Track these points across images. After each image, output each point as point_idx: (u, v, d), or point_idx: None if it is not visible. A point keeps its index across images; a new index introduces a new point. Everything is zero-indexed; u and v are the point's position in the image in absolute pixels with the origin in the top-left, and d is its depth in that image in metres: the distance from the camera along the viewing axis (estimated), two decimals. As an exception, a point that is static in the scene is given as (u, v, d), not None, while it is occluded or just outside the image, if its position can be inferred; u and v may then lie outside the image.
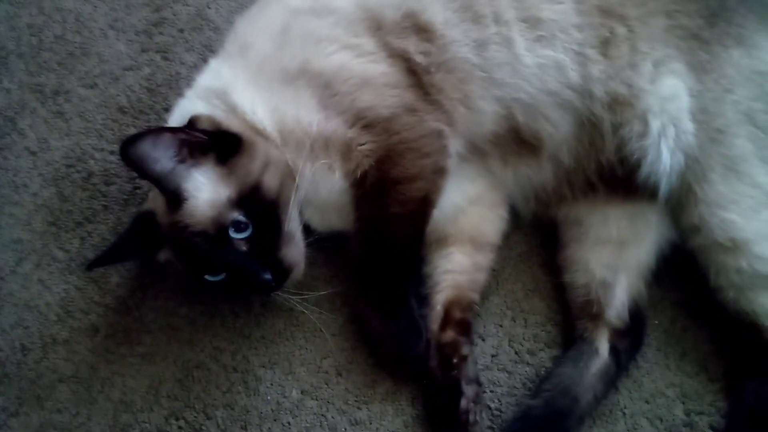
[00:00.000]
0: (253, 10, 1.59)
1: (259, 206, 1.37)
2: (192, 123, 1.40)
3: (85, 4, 1.94)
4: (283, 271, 1.39)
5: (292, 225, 1.42)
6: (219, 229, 1.35)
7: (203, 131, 1.38)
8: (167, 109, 1.77)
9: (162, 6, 1.93)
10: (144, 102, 1.83)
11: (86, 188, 1.75)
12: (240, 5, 1.88)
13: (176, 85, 1.83)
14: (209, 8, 1.92)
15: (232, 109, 1.44)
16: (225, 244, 1.35)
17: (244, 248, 1.36)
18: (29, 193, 1.77)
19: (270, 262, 1.37)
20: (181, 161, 1.35)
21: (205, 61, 1.76)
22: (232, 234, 1.35)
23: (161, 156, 1.32)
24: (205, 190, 1.36)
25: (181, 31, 1.91)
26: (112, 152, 1.78)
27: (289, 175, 1.41)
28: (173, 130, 1.36)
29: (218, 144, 1.38)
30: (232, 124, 1.42)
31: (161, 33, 1.91)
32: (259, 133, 1.43)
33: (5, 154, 1.81)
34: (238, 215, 1.35)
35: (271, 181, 1.38)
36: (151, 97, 1.84)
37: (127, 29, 1.92)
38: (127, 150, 1.27)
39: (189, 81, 1.68)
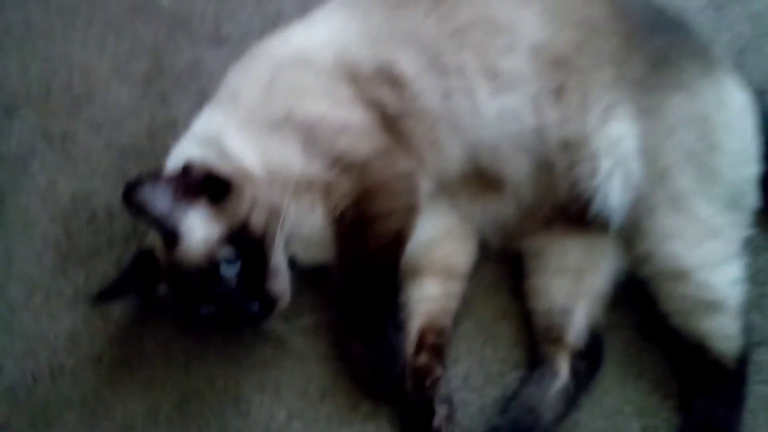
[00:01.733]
0: (243, 61, 1.69)
1: (247, 243, 1.48)
2: (187, 167, 1.51)
3: (91, 55, 2.03)
4: (269, 302, 1.50)
5: (278, 259, 1.52)
6: (211, 264, 1.46)
7: (197, 175, 1.48)
8: (166, 152, 1.80)
9: (161, 56, 2.02)
10: (144, 145, 1.93)
11: (91, 226, 1.84)
12: (232, 55, 1.87)
13: (174, 129, 1.90)
14: (204, 58, 2.01)
15: (224, 153, 1.54)
16: (216, 279, 1.46)
17: (233, 282, 1.46)
18: (38, 231, 1.86)
19: (258, 295, 1.48)
20: (177, 203, 1.46)
21: (200, 106, 1.80)
22: (223, 270, 1.46)
23: (159, 200, 1.43)
24: (199, 229, 1.47)
25: (179, 79, 2.00)
26: (115, 193, 1.83)
27: (275, 213, 1.52)
28: (169, 177, 1.47)
29: (210, 187, 1.49)
30: (223, 168, 1.52)
31: (160, 81, 2.00)
32: (248, 175, 1.53)
33: (16, 195, 1.89)
34: (227, 251, 1.46)
35: (257, 220, 1.49)
36: (150, 140, 1.93)
37: (128, 77, 2.01)
38: (129, 196, 1.39)
39: (186, 125, 1.75)
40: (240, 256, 1.47)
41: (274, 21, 2.03)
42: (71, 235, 1.84)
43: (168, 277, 1.52)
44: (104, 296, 1.60)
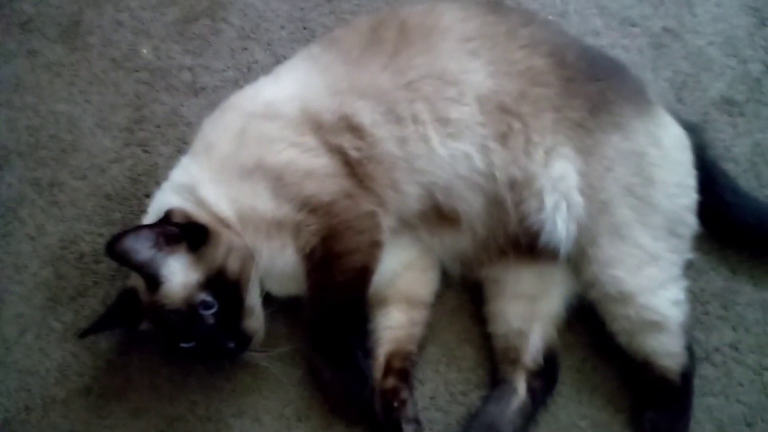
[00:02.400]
0: (216, 113, 1.78)
1: (224, 286, 1.58)
2: (168, 215, 1.60)
3: (76, 107, 2.09)
4: (245, 339, 1.60)
5: (253, 299, 1.62)
6: (189, 307, 1.55)
7: (176, 224, 1.58)
8: (148, 196, 1.92)
9: (141, 106, 2.08)
10: (127, 190, 1.99)
11: (79, 267, 1.90)
12: (208, 104, 2.04)
13: (155, 174, 1.98)
14: (182, 106, 2.08)
15: (201, 202, 1.64)
16: (195, 319, 1.55)
17: (211, 321, 1.56)
18: (29, 273, 1.91)
19: (234, 333, 1.58)
20: (158, 251, 1.55)
21: (179, 152, 1.93)
22: (201, 311, 1.55)
23: (141, 248, 1.53)
24: (178, 274, 1.56)
25: (158, 126, 2.06)
26: (100, 235, 1.93)
27: (249, 257, 1.62)
28: (150, 227, 1.57)
29: (189, 234, 1.58)
30: (201, 217, 1.62)
31: (141, 129, 2.06)
32: (223, 222, 1.63)
33: (8, 240, 1.95)
34: (205, 296, 1.56)
35: (233, 265, 1.59)
36: (133, 185, 1.99)
37: (111, 127, 2.07)
38: (113, 247, 1.49)
39: (165, 171, 1.83)
40: (216, 300, 1.57)
41: (247, 72, 2.12)
42: (60, 276, 1.91)
43: (150, 316, 1.61)
44: (91, 331, 1.69)
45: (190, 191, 1.66)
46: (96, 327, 1.69)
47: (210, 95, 2.09)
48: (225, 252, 1.59)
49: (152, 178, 2.00)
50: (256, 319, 1.63)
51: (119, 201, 1.99)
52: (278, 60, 2.12)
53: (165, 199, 1.69)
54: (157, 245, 1.56)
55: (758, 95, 2.04)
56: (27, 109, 2.10)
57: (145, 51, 2.15)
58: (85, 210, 1.99)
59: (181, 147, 1.99)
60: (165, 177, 1.80)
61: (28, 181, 2.02)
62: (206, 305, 1.56)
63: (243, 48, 2.15)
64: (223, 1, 2.23)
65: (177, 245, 1.58)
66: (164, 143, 2.05)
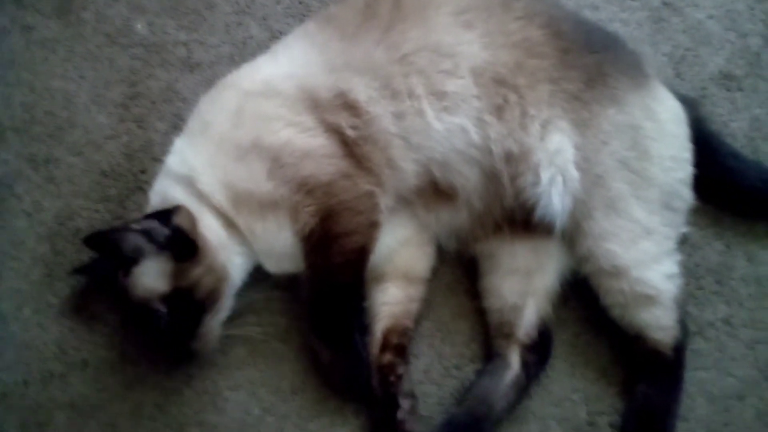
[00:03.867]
0: (212, 91, 1.77)
1: (186, 305, 1.59)
2: (174, 211, 1.62)
3: (71, 83, 2.08)
4: (187, 355, 1.63)
5: (212, 324, 1.63)
6: (145, 307, 1.59)
7: (175, 226, 1.60)
8: (143, 171, 1.96)
9: (137, 81, 2.07)
10: (123, 166, 1.98)
11: (75, 242, 1.89)
12: (203, 80, 2.03)
13: (151, 150, 1.98)
14: (178, 82, 2.06)
15: (200, 195, 1.65)
16: (149, 317, 1.59)
17: (162, 326, 1.58)
18: (26, 248, 1.92)
19: (180, 346, 1.61)
20: (146, 242, 1.59)
21: (175, 128, 1.93)
22: (155, 316, 1.59)
23: (123, 245, 1.59)
24: (148, 278, 1.59)
25: (154, 102, 2.05)
26: (96, 211, 1.94)
27: (224, 280, 1.64)
28: (137, 230, 1.60)
29: (178, 245, 1.60)
30: (201, 227, 1.64)
31: (137, 105, 2.04)
32: (218, 211, 1.65)
33: (4, 216, 1.95)
34: (161, 307, 1.58)
35: (204, 287, 1.60)
36: (129, 161, 1.98)
37: (107, 103, 2.05)
38: (91, 240, 1.58)
39: (161, 147, 1.88)
40: (172, 315, 1.58)
41: (242, 47, 2.10)
42: (57, 251, 1.91)
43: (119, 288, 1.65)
44: (78, 272, 1.80)
45: (190, 183, 1.66)
46: (83, 269, 1.79)
47: (205, 71, 2.08)
48: (202, 272, 1.61)
49: (148, 154, 1.99)
50: (206, 343, 1.64)
51: (115, 177, 1.99)
52: (274, 35, 2.10)
53: (170, 190, 1.70)
54: (145, 239, 1.59)
55: (757, 70, 2.03)
56: (22, 86, 2.08)
57: (139, 26, 2.13)
58: (81, 186, 1.98)
59: (177, 123, 1.98)
60: (161, 153, 1.81)
61: (24, 158, 2.02)
62: (159, 315, 1.59)
63: (238, 23, 2.13)
64: (217, -25, 2.22)
65: (163, 249, 1.60)
66: (160, 119, 2.04)
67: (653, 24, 2.10)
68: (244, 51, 2.09)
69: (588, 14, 2.09)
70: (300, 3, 2.15)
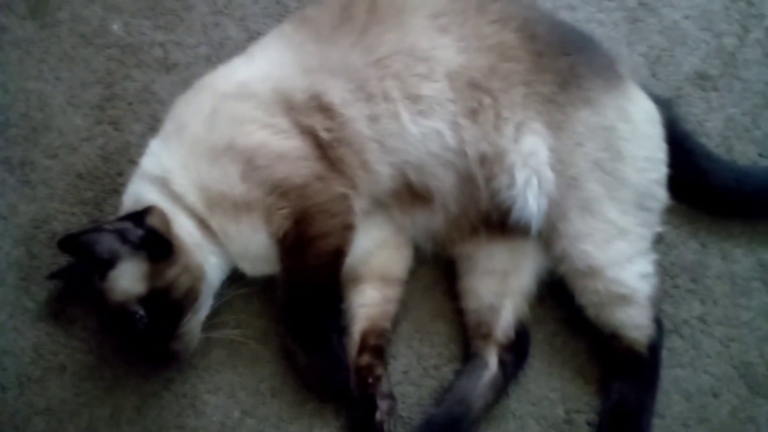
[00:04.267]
0: (188, 93, 1.76)
1: (163, 305, 1.58)
2: (147, 212, 1.61)
3: (46, 84, 2.06)
4: (168, 356, 1.62)
5: (191, 324, 1.62)
6: (123, 311, 1.58)
7: (149, 227, 1.59)
8: (120, 174, 1.94)
9: (112, 83, 2.05)
10: (99, 169, 1.97)
11: (51, 246, 1.86)
12: (180, 80, 2.02)
13: (127, 152, 1.97)
14: (154, 83, 2.05)
15: (174, 197, 1.64)
16: (126, 322, 1.58)
17: (140, 329, 1.57)
18: (2, 252, 1.90)
19: (159, 349, 1.59)
20: (120, 247, 1.58)
21: (152, 130, 1.90)
22: (133, 319, 1.57)
23: (98, 247, 1.58)
24: (124, 280, 1.58)
25: (130, 104, 2.04)
26: (73, 214, 1.92)
27: (200, 279, 1.64)
28: (110, 230, 1.59)
29: (153, 246, 1.59)
30: (173, 228, 1.63)
31: (113, 107, 2.03)
32: (192, 212, 1.64)
33: None
34: (139, 310, 1.57)
35: (181, 287, 1.60)
36: (105, 164, 1.97)
37: (82, 105, 2.04)
38: (66, 243, 1.56)
39: (138, 149, 1.86)
40: (150, 316, 1.57)
41: (219, 48, 2.09)
42: (33, 255, 1.90)
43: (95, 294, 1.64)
44: (54, 276, 1.80)
45: (164, 184, 1.66)
46: (58, 274, 1.78)
47: (182, 72, 2.06)
48: (178, 272, 1.60)
49: (124, 156, 1.98)
50: (186, 343, 1.63)
51: (91, 180, 1.97)
52: (251, 36, 2.10)
53: (143, 191, 1.69)
54: (119, 240, 1.59)
55: (732, 69, 2.05)
56: (-3, 88, 2.07)
57: (115, 27, 2.11)
58: (57, 189, 1.97)
59: (153, 125, 1.97)
60: (137, 155, 1.79)
61: (-2, 160, 2.00)
62: (137, 317, 1.58)
63: (215, 23, 2.12)
64: (194, -25, 2.20)
65: (137, 250, 1.59)
66: (136, 121, 2.03)
67: (629, 24, 2.11)
68: (222, 52, 2.08)
69: (565, 15, 2.11)
70: (277, 3, 2.15)
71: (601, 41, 2.01)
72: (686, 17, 2.11)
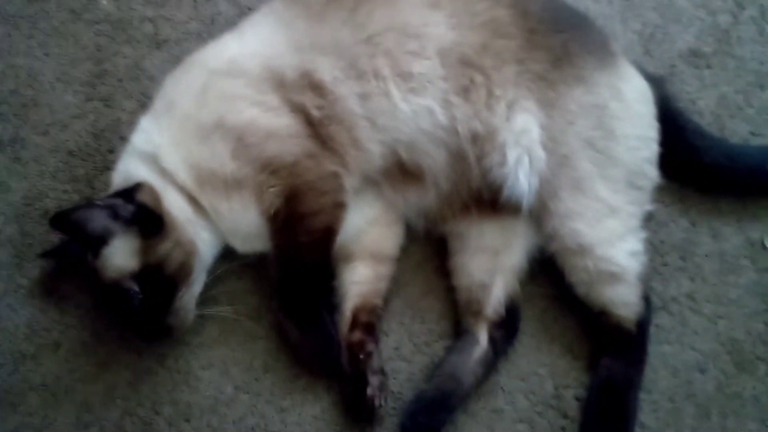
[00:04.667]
0: (178, 69, 1.76)
1: (157, 281, 1.59)
2: (136, 188, 1.61)
3: (35, 61, 2.05)
4: (164, 332, 1.63)
5: (185, 298, 1.63)
6: (117, 288, 1.59)
7: (139, 203, 1.59)
8: (111, 151, 1.94)
9: (102, 59, 2.04)
10: (90, 146, 1.97)
11: (43, 224, 1.87)
12: (171, 56, 2.02)
13: (118, 129, 1.96)
14: (145, 60, 2.04)
15: (163, 173, 1.64)
16: (120, 299, 1.59)
17: (135, 305, 1.58)
18: None
19: (155, 324, 1.61)
20: (112, 221, 1.58)
21: (142, 106, 1.90)
22: (127, 295, 1.58)
23: (90, 223, 1.58)
24: (117, 257, 1.59)
25: (121, 81, 2.03)
26: (64, 191, 1.93)
27: (192, 254, 1.64)
28: (102, 206, 1.59)
29: (144, 221, 1.59)
30: (163, 204, 1.63)
31: (103, 83, 2.03)
32: (183, 189, 1.64)
33: None
34: (132, 286, 1.58)
35: (174, 262, 1.60)
36: (96, 141, 1.97)
37: (72, 81, 2.03)
38: (60, 221, 1.57)
39: (128, 126, 1.84)
40: (144, 292, 1.58)
41: (210, 24, 2.08)
42: (25, 233, 1.90)
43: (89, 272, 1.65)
44: (46, 255, 1.80)
45: (154, 160, 1.66)
46: (51, 253, 1.79)
47: (173, 48, 2.05)
48: (170, 247, 1.61)
49: (115, 133, 1.98)
50: (182, 318, 1.64)
51: (82, 157, 1.97)
52: (242, 11, 2.08)
53: (133, 168, 1.69)
54: (110, 217, 1.59)
55: (726, 47, 2.04)
56: (-15, 64, 2.05)
57: (104, 2, 2.09)
58: (48, 166, 1.97)
59: (144, 101, 1.97)
60: (128, 132, 1.78)
61: (-11, 138, 1.99)
62: (131, 293, 1.58)
63: (206, -1, 2.10)
64: (184, -52, 2.17)
65: (129, 226, 1.59)
66: (126, 98, 2.02)
67: (624, 1, 2.11)
68: (213, 28, 2.07)
69: (560, -10, 2.09)
70: (268, -22, 2.12)
71: (595, 18, 2.02)
72: (680, -7, 2.10)
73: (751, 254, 1.85)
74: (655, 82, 1.81)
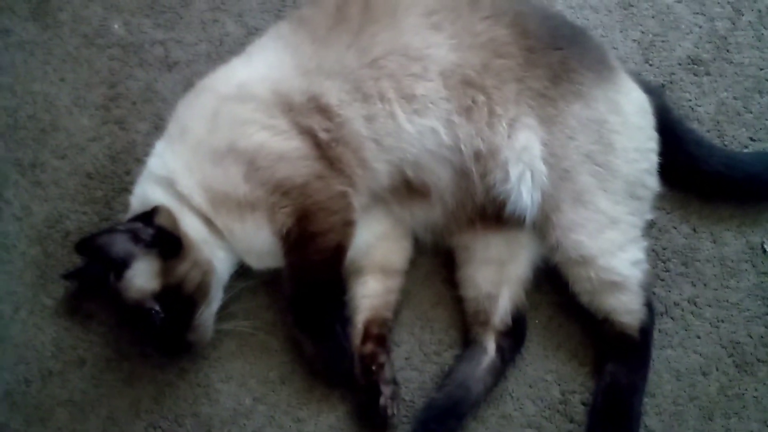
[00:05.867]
0: (190, 95, 1.80)
1: (177, 300, 1.65)
2: (154, 212, 1.67)
3: (51, 86, 2.10)
4: (184, 348, 1.69)
5: (205, 315, 1.70)
6: (139, 309, 1.65)
7: (158, 226, 1.65)
8: (128, 173, 1.99)
9: (116, 83, 2.09)
10: (107, 168, 2.02)
11: (65, 245, 1.95)
12: (182, 78, 2.07)
13: (134, 151, 2.02)
14: (157, 82, 2.09)
15: (180, 197, 1.69)
16: (143, 318, 1.65)
17: (157, 324, 1.64)
18: (18, 252, 1.97)
19: (175, 341, 1.67)
20: (134, 245, 1.64)
21: (156, 128, 1.97)
22: (149, 315, 1.64)
23: (113, 248, 1.64)
24: (139, 278, 1.65)
25: (134, 103, 2.08)
26: (84, 213, 1.98)
27: (210, 273, 1.70)
28: (123, 230, 1.65)
29: (164, 243, 1.65)
30: (181, 226, 1.68)
31: (117, 106, 2.07)
32: (198, 212, 1.69)
33: None
34: (154, 305, 1.64)
35: (192, 281, 1.66)
36: (113, 163, 2.02)
37: (88, 105, 2.08)
38: (84, 247, 1.63)
39: (144, 148, 1.91)
40: (166, 311, 1.64)
41: (219, 45, 2.12)
42: (48, 254, 1.96)
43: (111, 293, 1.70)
44: (69, 276, 1.86)
45: (170, 184, 1.71)
46: (74, 274, 1.85)
47: (183, 69, 2.10)
48: (189, 267, 1.66)
49: (131, 155, 2.03)
50: (201, 334, 1.71)
51: (100, 179, 2.02)
52: (249, 31, 2.13)
53: (150, 192, 1.74)
54: (132, 241, 1.65)
55: (724, 53, 2.07)
56: (3, 90, 2.10)
57: (116, 26, 2.14)
58: (68, 189, 2.02)
59: (158, 123, 2.01)
60: (144, 154, 1.83)
61: (10, 162, 2.05)
62: (154, 313, 1.65)
63: (214, 20, 2.14)
64: (191, -29, 2.22)
65: (150, 249, 1.65)
66: (140, 120, 2.07)
67: (623, 10, 2.13)
68: (221, 48, 2.12)
69: (559, 1, 2.14)
70: (274, -2, 2.17)
71: (594, 28, 2.07)
72: (679, 1, 2.13)
73: (751, 258, 1.89)
74: (654, 92, 1.85)
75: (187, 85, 1.88)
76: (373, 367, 1.73)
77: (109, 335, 1.89)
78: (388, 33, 1.69)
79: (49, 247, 1.97)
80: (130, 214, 1.76)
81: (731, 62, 2.06)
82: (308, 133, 1.68)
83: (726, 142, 1.99)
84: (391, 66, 1.67)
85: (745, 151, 1.99)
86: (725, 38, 2.09)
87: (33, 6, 2.17)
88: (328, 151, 1.68)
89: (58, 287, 1.94)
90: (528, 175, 1.68)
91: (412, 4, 1.72)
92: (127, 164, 2.03)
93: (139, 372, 1.85)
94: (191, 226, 1.72)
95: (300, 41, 1.74)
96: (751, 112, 2.01)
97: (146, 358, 1.85)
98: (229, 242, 1.74)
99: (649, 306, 1.75)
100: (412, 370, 1.84)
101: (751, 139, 1.99)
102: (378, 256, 1.83)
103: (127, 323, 1.75)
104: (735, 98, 2.03)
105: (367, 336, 1.78)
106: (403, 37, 1.68)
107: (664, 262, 1.90)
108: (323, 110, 1.67)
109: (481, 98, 1.67)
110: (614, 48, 2.08)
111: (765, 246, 1.90)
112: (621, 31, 2.11)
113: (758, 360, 1.81)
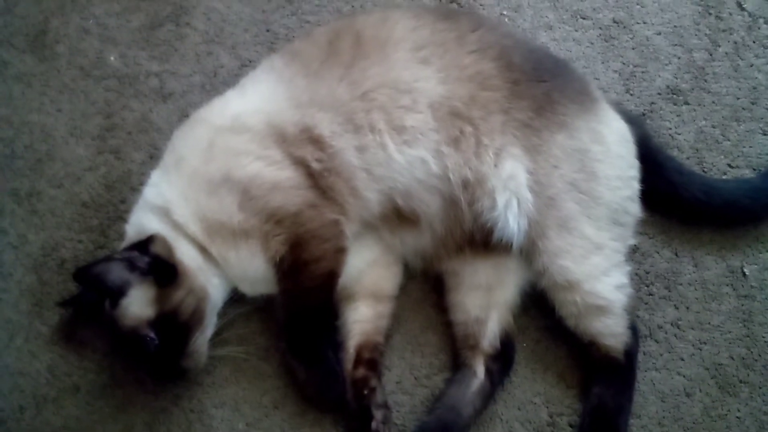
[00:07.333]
0: (185, 126, 1.84)
1: (172, 327, 1.67)
2: (150, 240, 1.70)
3: (48, 117, 2.13)
4: (178, 373, 1.71)
5: (199, 341, 1.71)
6: (134, 335, 1.67)
7: (153, 254, 1.68)
8: (123, 201, 2.03)
9: (112, 113, 2.13)
10: (103, 197, 2.05)
11: (61, 273, 1.97)
12: (177, 109, 2.11)
13: (129, 180, 2.05)
14: (152, 113, 2.13)
15: (175, 226, 1.72)
16: (137, 345, 1.67)
17: (151, 351, 1.66)
18: (14, 280, 1.99)
19: (170, 367, 1.69)
20: (130, 273, 1.67)
21: (151, 158, 2.01)
22: (144, 342, 1.66)
23: (109, 276, 1.66)
24: (135, 306, 1.67)
25: (130, 133, 2.11)
26: (80, 241, 2.01)
27: (205, 300, 1.73)
28: (119, 259, 1.68)
29: (159, 271, 1.68)
30: (176, 254, 1.71)
31: (113, 137, 2.11)
32: (194, 240, 1.72)
33: None
34: (149, 333, 1.66)
35: (187, 308, 1.69)
36: (108, 192, 2.05)
37: (84, 135, 2.11)
38: (81, 276, 1.65)
39: (139, 177, 1.94)
40: (160, 338, 1.66)
41: (213, 76, 2.17)
42: (44, 282, 1.98)
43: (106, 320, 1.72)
44: (64, 304, 1.88)
45: (166, 213, 1.74)
46: (69, 302, 1.86)
47: (178, 100, 2.14)
48: (184, 294, 1.69)
49: (126, 184, 2.06)
50: (195, 360, 1.72)
51: (96, 208, 2.05)
52: (243, 63, 2.18)
53: (146, 221, 1.77)
54: (128, 269, 1.67)
55: (702, 83, 2.14)
56: (1, 121, 2.14)
57: (112, 58, 2.19)
58: (64, 218, 2.05)
59: (153, 153, 2.05)
60: (139, 183, 1.86)
61: (6, 192, 2.07)
62: (149, 340, 1.67)
63: (208, 52, 2.20)
64: (186, 5, 2.27)
65: (145, 277, 1.68)
66: (136, 149, 2.10)
67: (604, 42, 2.21)
68: (215, 80, 2.16)
69: (543, 34, 2.21)
70: (267, 31, 2.23)
71: (577, 59, 2.13)
72: (658, 33, 2.21)
73: (732, 282, 1.94)
74: (635, 122, 1.91)
75: (182, 115, 1.92)
76: (365, 392, 1.76)
77: (103, 362, 1.90)
78: (378, 67, 1.74)
79: (45, 275, 2.00)
80: (126, 243, 1.78)
81: (709, 92, 2.13)
82: (301, 164, 1.72)
83: (705, 169, 2.05)
84: (381, 98, 1.72)
85: (724, 177, 2.04)
86: (703, 69, 2.16)
87: (30, 39, 2.22)
88: (320, 180, 1.72)
89: (53, 315, 1.95)
90: (514, 202, 1.72)
91: (402, 39, 1.77)
92: (122, 193, 2.06)
93: (133, 398, 1.86)
94: (186, 254, 1.75)
95: (293, 74, 1.79)
96: (729, 140, 2.08)
97: (140, 385, 1.86)
98: (223, 270, 1.78)
99: (633, 329, 1.79)
100: (403, 393, 1.86)
101: (730, 165, 2.06)
102: (369, 282, 1.87)
103: (122, 350, 1.77)
104: (713, 126, 2.09)
105: (358, 360, 1.80)
106: (393, 71, 1.73)
107: (647, 286, 1.94)
108: (316, 141, 1.72)
109: (468, 129, 1.72)
110: (596, 79, 2.15)
111: (745, 270, 1.95)
112: (603, 63, 2.18)
113: (740, 381, 1.85)
